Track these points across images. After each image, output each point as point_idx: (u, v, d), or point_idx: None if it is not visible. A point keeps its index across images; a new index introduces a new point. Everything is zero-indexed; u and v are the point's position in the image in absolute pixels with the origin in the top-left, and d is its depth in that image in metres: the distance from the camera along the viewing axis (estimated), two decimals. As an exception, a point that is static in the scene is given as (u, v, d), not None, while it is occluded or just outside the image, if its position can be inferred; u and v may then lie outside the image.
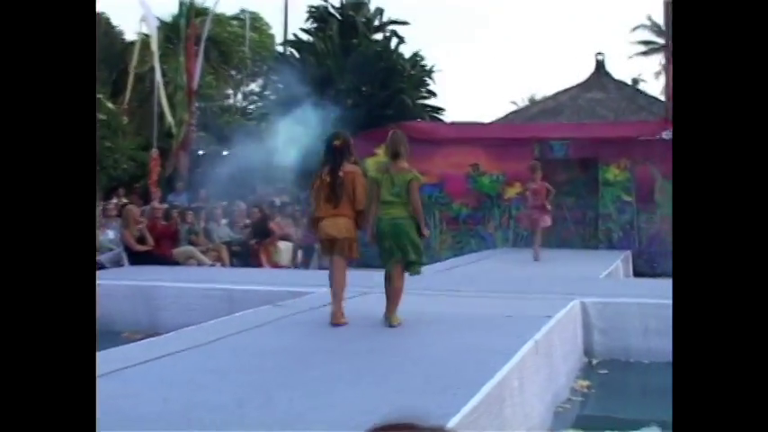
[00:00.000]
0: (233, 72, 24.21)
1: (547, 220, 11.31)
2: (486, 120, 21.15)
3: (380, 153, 15.53)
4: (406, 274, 5.46)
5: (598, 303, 6.69)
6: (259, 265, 12.06)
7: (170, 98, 15.34)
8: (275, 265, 12.14)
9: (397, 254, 5.35)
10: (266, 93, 21.25)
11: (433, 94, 20.64)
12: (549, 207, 11.27)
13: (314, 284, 7.59)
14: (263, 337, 5.00)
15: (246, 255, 12.31)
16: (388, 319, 5.35)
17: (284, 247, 12.88)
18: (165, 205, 12.47)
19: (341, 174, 5.44)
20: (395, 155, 5.50)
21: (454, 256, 13.17)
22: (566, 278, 8.80)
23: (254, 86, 24.90)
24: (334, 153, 5.50)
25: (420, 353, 4.43)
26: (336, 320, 5.27)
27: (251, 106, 24.27)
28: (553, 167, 13.44)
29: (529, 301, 6.78)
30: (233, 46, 23.08)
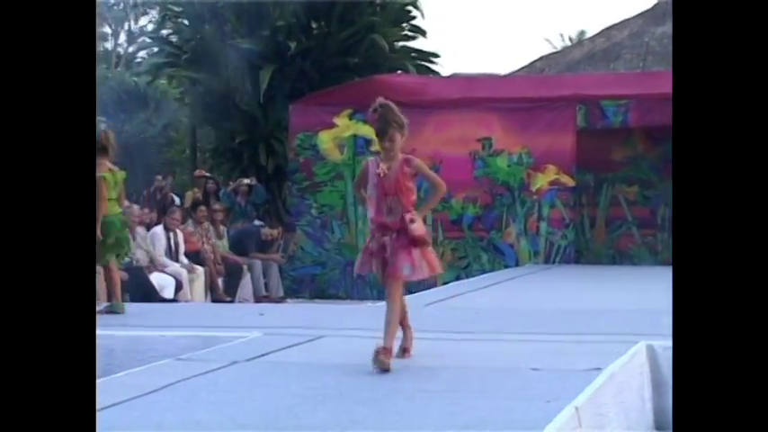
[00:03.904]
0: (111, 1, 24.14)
1: None
2: (504, 70, 21.28)
3: (341, 124, 15.58)
4: None
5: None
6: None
7: None
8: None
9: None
10: (163, 33, 21.16)
11: (420, 32, 20.70)
12: None
13: (238, 325, 7.64)
14: (157, 412, 4.97)
15: (140, 281, 12.29)
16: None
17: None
18: None
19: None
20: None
21: (456, 279, 13.22)
22: (625, 311, 8.86)
23: (144, 23, 24.83)
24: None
25: None
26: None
27: (140, 54, 24.20)
28: (605, 141, 13.57)
29: (568, 345, 6.81)
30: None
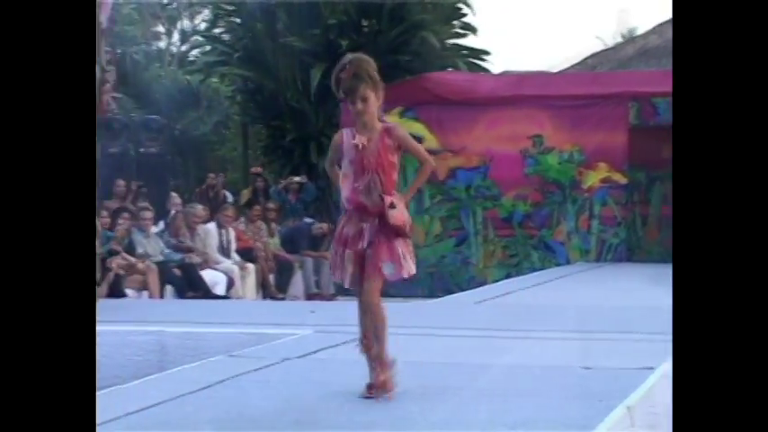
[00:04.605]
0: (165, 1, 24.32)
1: None
2: (555, 67, 21.16)
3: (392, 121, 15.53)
4: None
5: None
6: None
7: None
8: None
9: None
10: (216, 32, 21.32)
11: (471, 29, 20.69)
12: None
13: (288, 323, 7.64)
14: (210, 408, 5.00)
15: (193, 278, 12.39)
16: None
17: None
18: None
19: None
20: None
21: (506, 277, 13.18)
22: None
23: (198, 23, 25.02)
24: None
25: None
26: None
27: (193, 52, 24.36)
28: (657, 138, 13.40)
29: (619, 344, 6.77)
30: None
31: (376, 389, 4.90)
